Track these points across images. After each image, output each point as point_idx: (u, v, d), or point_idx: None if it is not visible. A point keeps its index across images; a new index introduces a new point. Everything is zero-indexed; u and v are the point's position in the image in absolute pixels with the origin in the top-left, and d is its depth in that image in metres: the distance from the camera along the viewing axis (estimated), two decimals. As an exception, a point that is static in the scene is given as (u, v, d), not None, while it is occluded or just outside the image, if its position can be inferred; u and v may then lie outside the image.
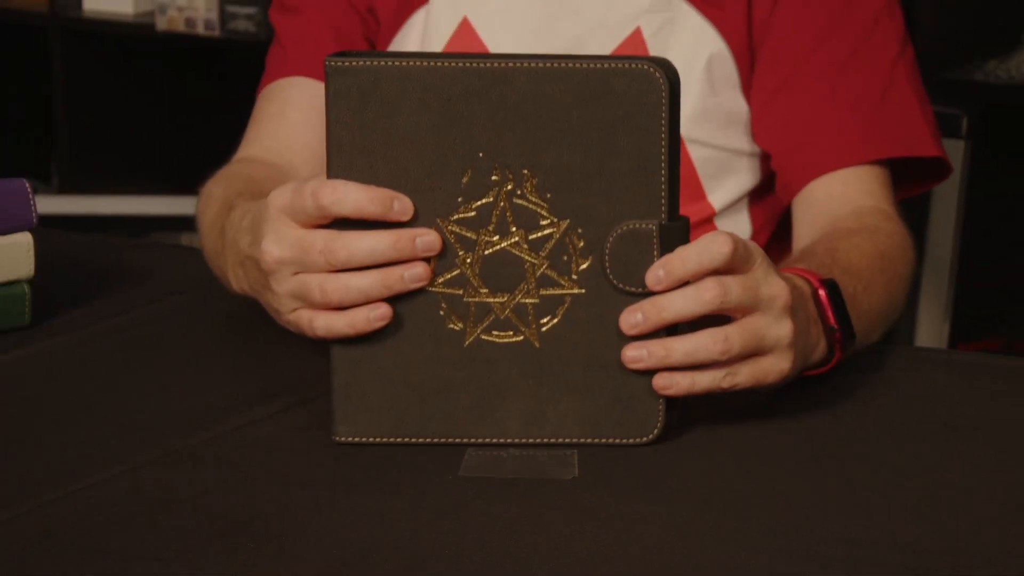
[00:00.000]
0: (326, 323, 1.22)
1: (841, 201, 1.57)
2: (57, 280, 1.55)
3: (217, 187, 1.54)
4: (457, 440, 1.23)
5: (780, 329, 1.22)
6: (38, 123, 3.86)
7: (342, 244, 1.20)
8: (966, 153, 1.96)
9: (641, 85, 1.18)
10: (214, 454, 1.22)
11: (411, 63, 1.19)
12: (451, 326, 1.22)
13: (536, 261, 1.22)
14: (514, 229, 1.21)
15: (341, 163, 1.21)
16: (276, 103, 1.68)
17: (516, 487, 1.16)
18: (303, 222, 1.21)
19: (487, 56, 1.20)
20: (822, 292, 1.30)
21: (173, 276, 1.62)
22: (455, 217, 1.21)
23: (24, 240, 1.46)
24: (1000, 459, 1.23)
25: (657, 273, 1.19)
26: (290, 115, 1.66)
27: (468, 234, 1.21)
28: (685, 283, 1.19)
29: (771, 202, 1.67)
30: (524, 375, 1.22)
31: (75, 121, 3.60)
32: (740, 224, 1.67)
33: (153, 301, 1.54)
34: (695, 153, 1.63)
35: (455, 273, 1.22)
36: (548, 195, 1.20)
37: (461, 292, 1.22)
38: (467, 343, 1.22)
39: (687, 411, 1.24)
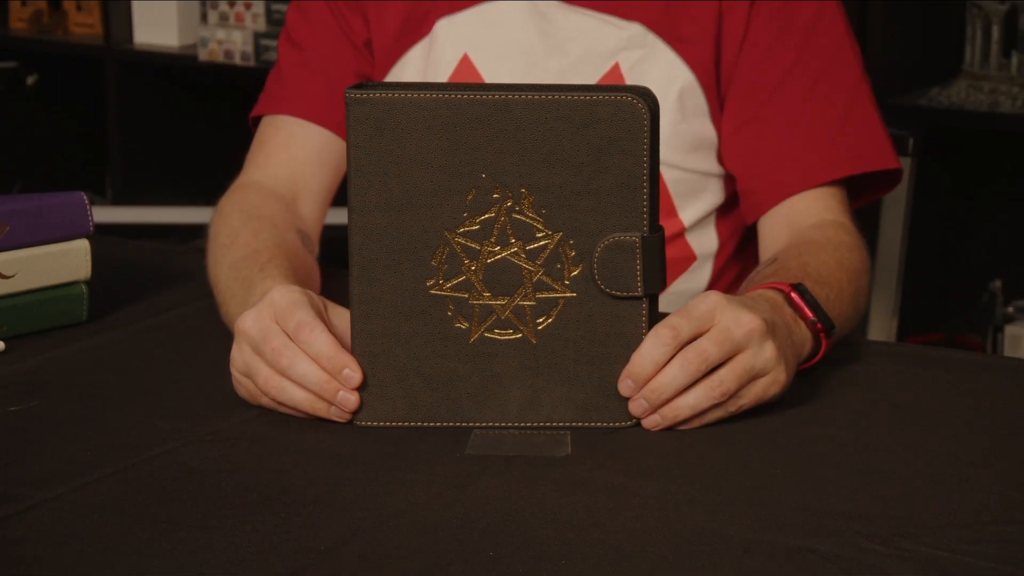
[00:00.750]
0: (278, 395, 1.24)
1: (804, 216, 1.56)
2: (111, 281, 1.55)
3: (239, 221, 1.51)
4: (463, 424, 1.23)
5: (765, 353, 1.22)
6: (95, 142, 3.85)
7: (288, 358, 1.22)
8: (912, 169, 1.95)
9: (625, 113, 1.18)
10: (249, 434, 1.22)
11: (421, 95, 1.19)
12: (458, 325, 1.22)
13: (533, 268, 1.22)
14: (513, 240, 1.21)
15: (360, 183, 1.21)
16: (283, 134, 1.65)
17: (516, 463, 1.17)
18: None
19: (488, 87, 1.20)
20: (794, 295, 1.31)
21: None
22: (461, 230, 1.21)
23: (82, 246, 1.46)
24: (940, 438, 1.23)
25: (627, 383, 1.22)
26: (296, 152, 1.64)
27: (472, 245, 1.21)
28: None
29: (735, 217, 1.66)
30: (522, 367, 1.22)
31: (127, 140, 3.60)
32: (708, 238, 1.66)
33: (196, 299, 1.53)
34: (667, 174, 1.62)
35: (461, 279, 1.22)
36: (543, 211, 1.21)
37: (467, 295, 1.22)
38: (472, 340, 1.22)
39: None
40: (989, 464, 1.18)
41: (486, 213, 1.20)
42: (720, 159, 1.63)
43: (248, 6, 3.41)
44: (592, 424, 1.23)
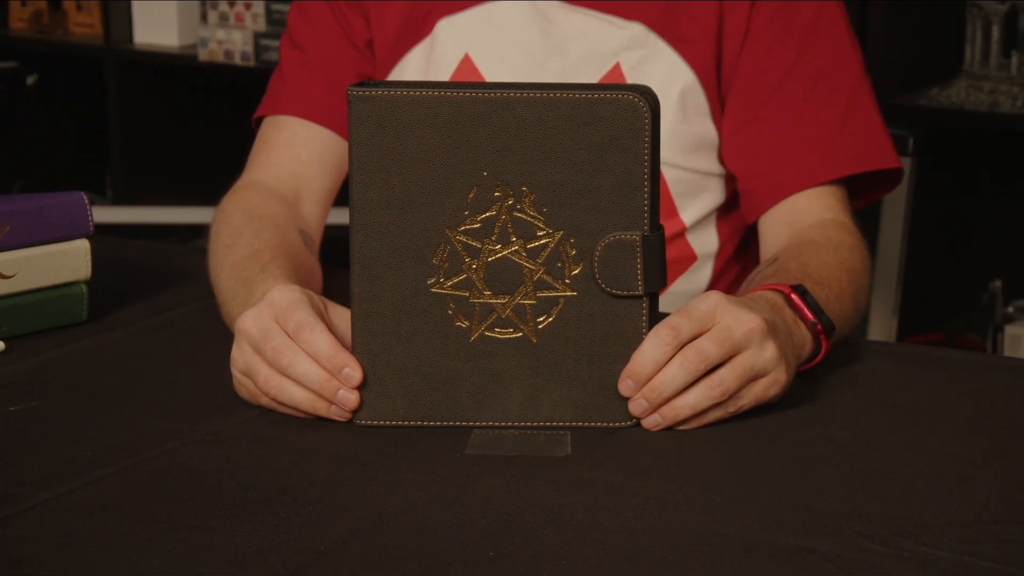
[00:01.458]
0: (278, 394, 1.24)
1: (804, 215, 1.56)
2: (111, 281, 1.55)
3: (241, 221, 1.51)
4: (463, 423, 1.23)
5: (765, 353, 1.22)
6: (95, 142, 3.85)
7: (288, 357, 1.22)
8: (912, 169, 1.95)
9: (626, 112, 1.18)
10: (249, 434, 1.22)
11: (423, 93, 1.19)
12: (458, 324, 1.22)
13: (534, 267, 1.22)
14: (514, 239, 1.21)
15: (361, 181, 1.21)
16: (285, 134, 1.65)
17: (516, 463, 1.17)
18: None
19: (489, 86, 1.20)
20: (794, 296, 1.31)
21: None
22: (462, 228, 1.21)
23: (82, 246, 1.46)
24: (940, 438, 1.23)
25: (627, 383, 1.21)
26: (298, 152, 1.64)
27: (473, 243, 1.21)
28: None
29: (736, 217, 1.66)
30: (522, 366, 1.22)
31: (127, 141, 3.60)
32: (708, 238, 1.66)
33: (197, 299, 1.53)
34: (668, 174, 1.62)
35: (462, 277, 1.22)
36: (544, 209, 1.21)
37: (467, 294, 1.22)
38: (472, 338, 1.23)
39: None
40: (989, 464, 1.18)
41: (487, 211, 1.20)
42: (721, 159, 1.63)
43: (248, 6, 3.41)
44: (592, 424, 1.23)
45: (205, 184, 3.58)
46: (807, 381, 1.31)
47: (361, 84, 1.20)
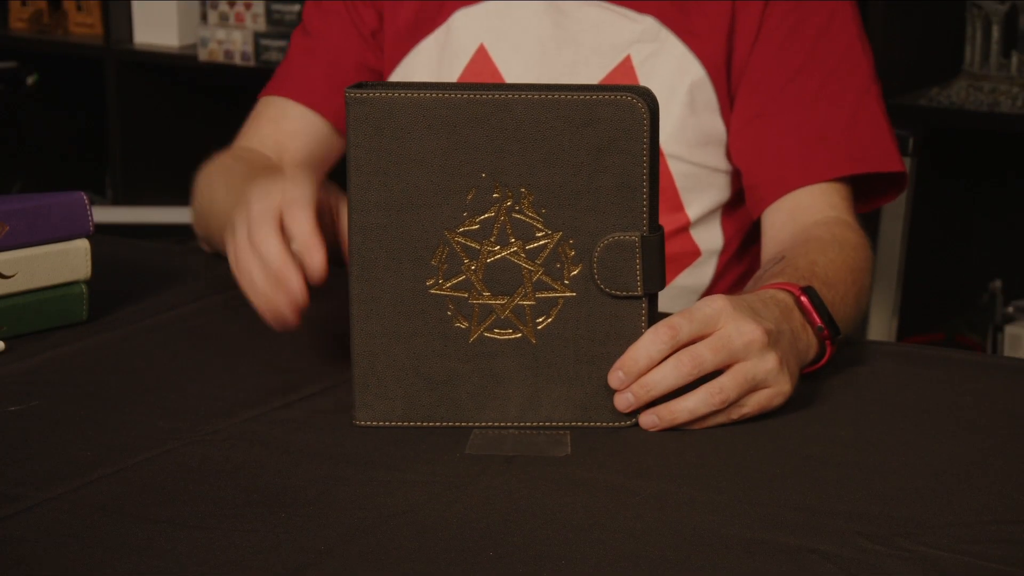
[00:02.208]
0: (242, 263, 1.27)
1: (808, 212, 1.57)
2: (111, 281, 1.55)
3: (230, 160, 1.61)
4: (463, 424, 1.23)
5: (766, 363, 1.22)
6: (94, 142, 3.85)
7: (262, 235, 1.24)
8: (913, 169, 1.95)
9: (625, 113, 1.18)
10: (250, 434, 1.22)
11: (421, 94, 1.19)
12: (458, 324, 1.22)
13: (533, 268, 1.22)
14: (513, 240, 1.21)
15: (359, 182, 1.21)
16: (274, 110, 1.73)
17: (516, 463, 1.17)
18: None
19: (488, 87, 1.20)
20: (804, 299, 1.30)
21: (214, 277, 1.61)
22: (461, 229, 1.21)
23: (82, 246, 1.46)
24: (940, 438, 1.23)
25: (618, 375, 1.21)
26: (284, 125, 1.71)
27: (472, 244, 1.21)
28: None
29: (741, 216, 1.67)
30: (522, 367, 1.22)
31: (127, 140, 3.60)
32: (712, 234, 1.66)
33: (196, 299, 1.54)
34: (674, 167, 1.63)
35: (461, 279, 1.22)
36: (543, 210, 1.21)
37: (466, 295, 1.22)
38: (472, 339, 1.23)
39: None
40: (989, 464, 1.18)
41: (486, 212, 1.20)
42: (728, 155, 1.63)
43: (248, 6, 3.41)
44: (592, 424, 1.23)
45: (205, 184, 3.58)
46: (807, 381, 1.31)
47: (359, 86, 1.20)
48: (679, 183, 1.63)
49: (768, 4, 1.60)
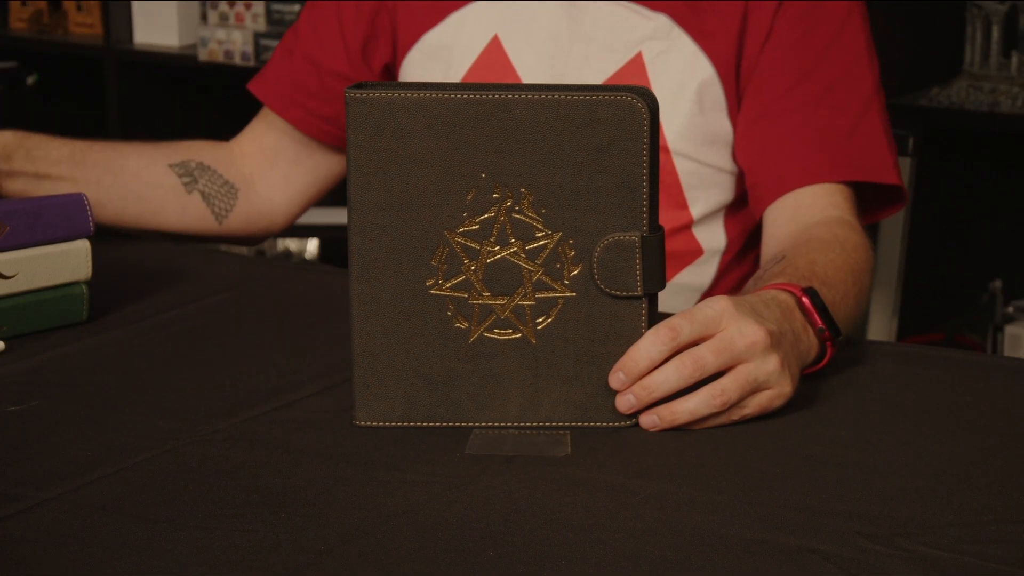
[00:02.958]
0: None
1: (810, 211, 1.57)
2: (111, 281, 1.55)
3: None
4: (463, 424, 1.23)
5: (768, 365, 1.22)
6: (94, 142, 3.85)
7: None
8: (913, 168, 1.95)
9: (625, 114, 1.18)
10: (250, 434, 1.22)
11: (421, 94, 1.19)
12: (457, 325, 1.22)
13: (532, 268, 1.22)
14: (513, 240, 1.21)
15: (359, 182, 1.21)
16: (263, 119, 1.81)
17: (516, 463, 1.17)
18: None
19: (487, 87, 1.20)
20: (805, 300, 1.30)
21: (214, 278, 1.62)
22: (461, 230, 1.21)
23: (83, 246, 1.46)
24: (940, 438, 1.23)
25: (618, 376, 1.21)
26: (254, 123, 1.82)
27: (472, 244, 1.21)
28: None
29: (745, 216, 1.67)
30: (522, 367, 1.22)
31: (127, 140, 3.60)
32: (715, 234, 1.66)
33: (197, 300, 1.54)
34: (680, 165, 1.63)
35: (461, 279, 1.22)
36: (543, 210, 1.21)
37: (466, 295, 1.22)
38: (472, 339, 1.23)
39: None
40: (989, 464, 1.18)
41: (486, 213, 1.20)
42: (734, 156, 1.64)
43: (248, 6, 3.41)
44: (592, 424, 1.23)
45: (205, 184, 3.59)
46: (808, 381, 1.31)
47: (359, 86, 1.20)
48: (684, 181, 1.64)
49: (781, 5, 1.61)
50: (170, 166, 1.72)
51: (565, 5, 1.66)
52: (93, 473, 1.14)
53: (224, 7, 3.42)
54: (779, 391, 1.23)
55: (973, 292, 3.06)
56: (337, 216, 2.87)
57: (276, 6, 3.40)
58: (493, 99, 1.19)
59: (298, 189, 1.79)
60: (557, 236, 1.21)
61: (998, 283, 3.01)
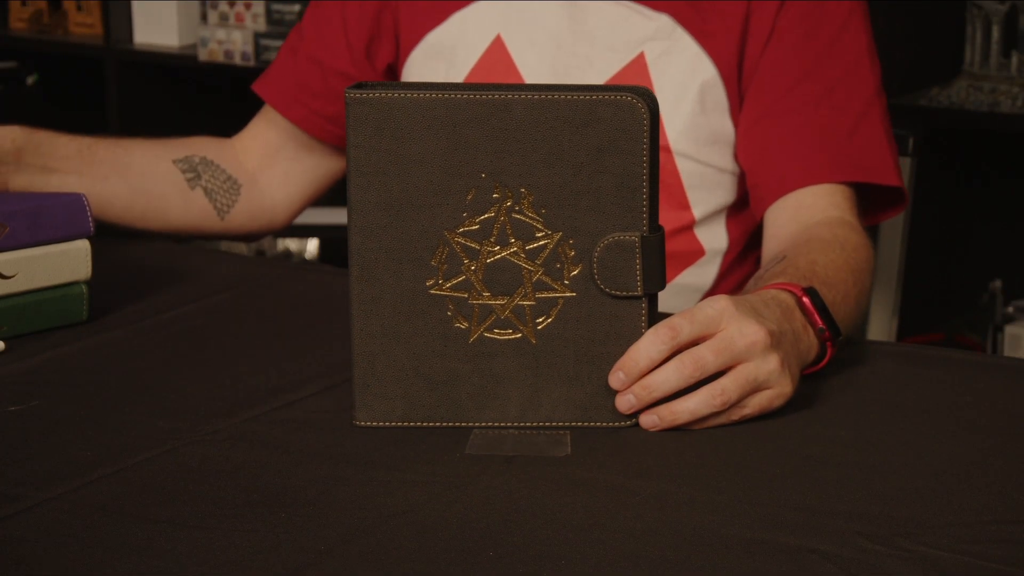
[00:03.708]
0: None
1: (811, 211, 1.57)
2: (112, 281, 1.55)
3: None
4: (463, 424, 1.23)
5: (768, 365, 1.21)
6: (94, 142, 3.85)
7: None
8: (913, 169, 1.95)
9: (625, 114, 1.18)
10: (251, 433, 1.22)
11: (421, 94, 1.19)
12: (457, 325, 1.22)
13: (532, 268, 1.22)
14: (513, 240, 1.21)
15: (359, 182, 1.21)
16: (265, 116, 1.81)
17: (516, 463, 1.17)
18: None
19: (487, 87, 1.20)
20: (806, 300, 1.30)
21: (215, 277, 1.62)
22: (461, 230, 1.21)
23: (82, 246, 1.46)
24: (940, 438, 1.23)
25: (618, 376, 1.21)
26: (256, 121, 1.82)
27: (472, 244, 1.21)
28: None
29: (746, 218, 1.68)
30: (522, 367, 1.22)
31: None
32: (717, 235, 1.67)
33: (197, 300, 1.54)
34: (682, 165, 1.63)
35: (461, 279, 1.22)
36: (543, 210, 1.21)
37: (466, 295, 1.22)
38: (472, 339, 1.23)
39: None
40: (989, 464, 1.18)
41: (486, 213, 1.20)
42: (736, 157, 1.64)
43: (248, 6, 3.41)
44: (592, 424, 1.23)
45: (205, 184, 3.58)
46: (808, 381, 1.31)
47: (359, 86, 1.20)
48: (686, 181, 1.64)
49: (783, 5, 1.61)
50: (174, 162, 1.72)
51: (567, 5, 1.67)
52: (93, 473, 1.14)
53: (224, 7, 3.42)
54: (779, 391, 1.23)
55: (973, 292, 3.06)
56: (337, 216, 2.87)
57: (276, 6, 3.40)
58: (493, 99, 1.19)
59: (298, 187, 1.79)
60: (557, 236, 1.21)
61: (998, 283, 3.01)
